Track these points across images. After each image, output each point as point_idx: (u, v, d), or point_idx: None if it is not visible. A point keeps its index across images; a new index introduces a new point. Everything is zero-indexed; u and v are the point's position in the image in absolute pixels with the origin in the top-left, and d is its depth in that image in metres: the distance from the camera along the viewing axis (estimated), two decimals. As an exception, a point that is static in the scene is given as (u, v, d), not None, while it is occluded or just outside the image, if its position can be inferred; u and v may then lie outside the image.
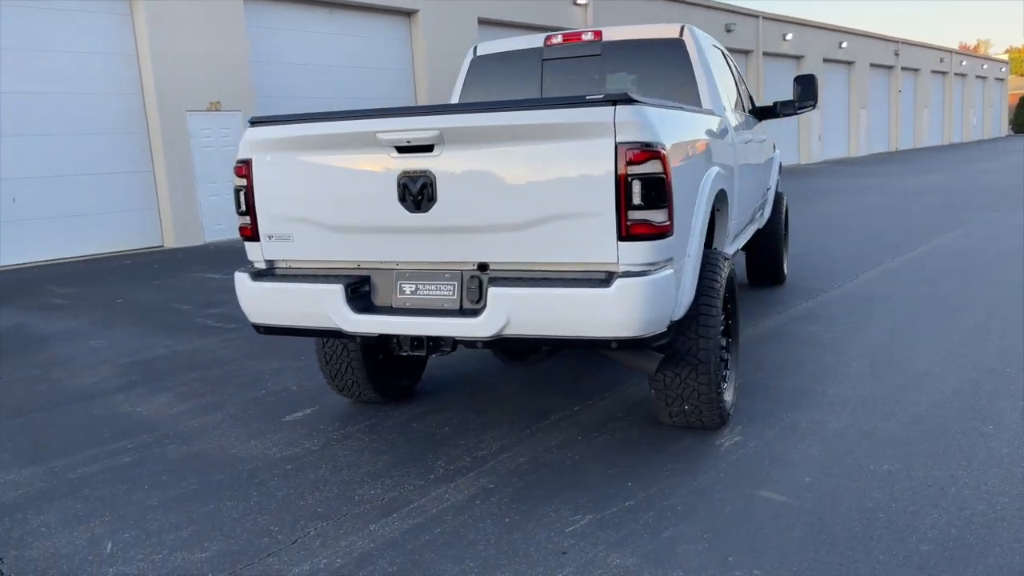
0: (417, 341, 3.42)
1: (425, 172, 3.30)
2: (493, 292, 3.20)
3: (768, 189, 6.90)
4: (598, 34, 5.13)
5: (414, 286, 3.45)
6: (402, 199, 3.34)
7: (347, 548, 3.06)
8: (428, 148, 3.27)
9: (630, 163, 3.03)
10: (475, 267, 3.37)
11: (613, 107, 3.02)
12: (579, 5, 21.62)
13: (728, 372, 4.24)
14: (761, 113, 6.76)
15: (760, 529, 3.04)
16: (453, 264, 3.40)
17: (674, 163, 3.22)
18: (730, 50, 28.72)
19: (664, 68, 4.98)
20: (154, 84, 13.36)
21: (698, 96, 4.86)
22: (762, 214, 6.87)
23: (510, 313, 3.19)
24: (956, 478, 3.40)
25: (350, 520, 3.29)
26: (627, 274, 3.11)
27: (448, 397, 4.76)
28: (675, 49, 4.93)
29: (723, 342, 4.06)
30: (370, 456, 3.94)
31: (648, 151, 3.04)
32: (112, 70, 13.21)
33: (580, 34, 5.18)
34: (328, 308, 3.46)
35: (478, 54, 5.46)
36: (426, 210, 3.33)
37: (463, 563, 2.91)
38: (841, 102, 37.09)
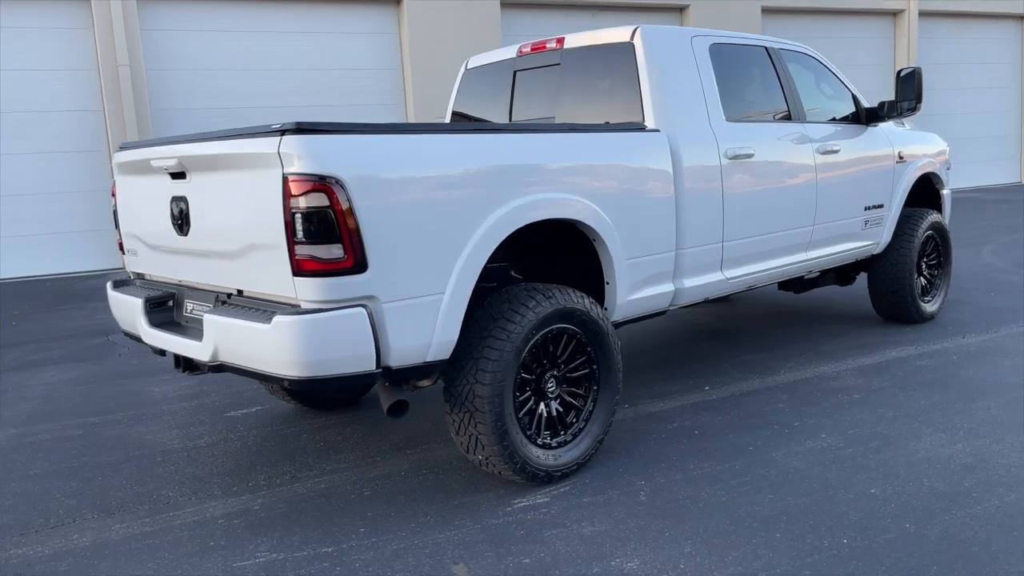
0: (177, 359, 3.58)
1: (183, 197, 3.45)
2: (206, 318, 3.26)
3: (876, 208, 5.72)
4: (560, 42, 4.73)
5: (192, 306, 3.61)
6: (172, 222, 3.53)
7: (60, 544, 3.34)
8: (184, 175, 3.41)
9: (293, 195, 2.89)
10: (235, 293, 3.43)
11: (279, 137, 2.90)
12: (894, -16, 19.15)
13: (585, 425, 3.77)
14: (869, 117, 5.67)
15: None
16: (214, 287, 3.49)
17: (375, 195, 2.98)
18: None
19: (614, 76, 4.44)
20: (414, 96, 14.68)
21: (641, 107, 4.27)
22: (873, 237, 5.76)
23: (216, 340, 3.22)
24: (681, 595, 2.70)
25: (111, 517, 3.57)
26: (296, 311, 2.97)
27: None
28: (624, 55, 4.37)
29: (552, 389, 3.64)
30: (227, 460, 4.18)
31: (313, 183, 2.87)
32: (383, 85, 14.78)
33: (545, 43, 4.82)
34: (136, 319, 3.77)
35: (469, 67, 5.34)
36: (186, 233, 3.48)
37: (114, 576, 3.05)
38: None
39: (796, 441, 4.01)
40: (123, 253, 4.15)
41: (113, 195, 4.12)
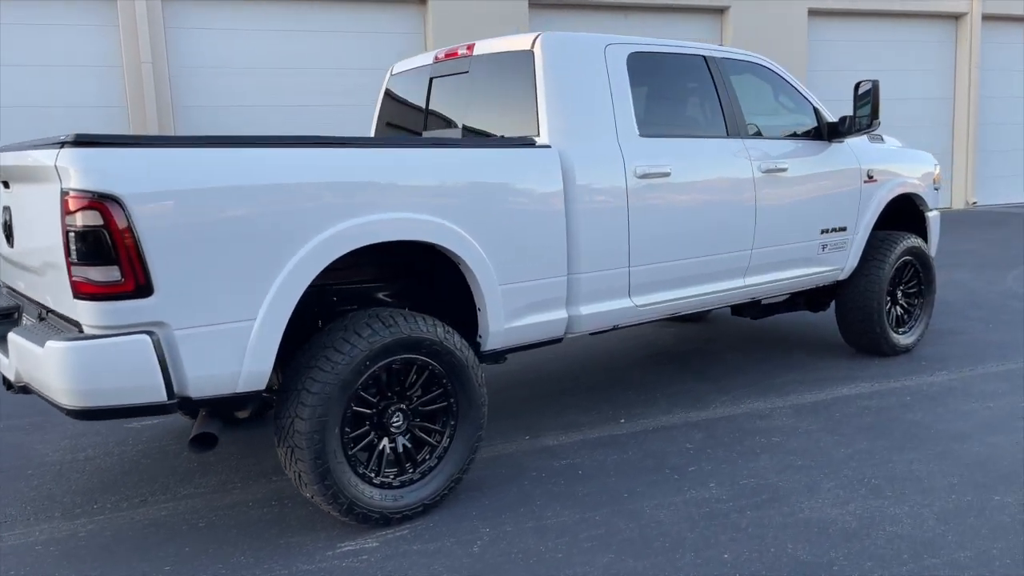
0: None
1: (8, 207, 3.31)
2: (8, 337, 3.10)
3: (837, 231, 5.28)
4: (471, 48, 4.45)
5: (26, 321, 3.47)
6: (3, 231, 3.40)
7: None
8: (8, 184, 3.28)
9: (69, 212, 2.71)
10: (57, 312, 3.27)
11: (58, 150, 2.72)
12: (955, -15, 18.14)
13: (438, 463, 3.51)
14: (831, 132, 5.25)
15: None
16: (42, 303, 3.34)
17: (162, 214, 2.78)
18: None
19: (513, 86, 4.15)
20: (436, 94, 14.50)
21: (536, 120, 3.98)
22: (835, 262, 5.33)
23: (16, 360, 3.06)
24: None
25: (-56, 535, 3.46)
26: (73, 336, 2.79)
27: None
28: (523, 64, 4.07)
29: (399, 424, 3.40)
30: (93, 477, 4.05)
31: (88, 200, 2.68)
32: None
33: (457, 49, 4.55)
34: (-17, 333, 3.65)
35: (393, 72, 5.10)
36: (12, 245, 3.34)
37: None
38: None
39: (679, 490, 3.66)
40: (-9, 261, 4.05)
41: (-16, 201, 4.02)
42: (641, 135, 4.24)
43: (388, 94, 5.11)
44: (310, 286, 3.42)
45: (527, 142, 3.89)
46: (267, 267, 3.01)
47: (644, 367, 5.72)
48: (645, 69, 4.40)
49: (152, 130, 12.82)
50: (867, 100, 4.89)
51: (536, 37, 4.07)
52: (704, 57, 4.73)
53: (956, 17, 18.54)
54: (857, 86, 4.98)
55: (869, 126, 4.95)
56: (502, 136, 4.15)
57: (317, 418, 3.11)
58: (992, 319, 6.84)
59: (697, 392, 5.09)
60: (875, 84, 4.86)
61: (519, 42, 4.15)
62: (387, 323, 3.28)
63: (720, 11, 16.58)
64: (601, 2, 15.33)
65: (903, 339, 5.78)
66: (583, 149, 3.99)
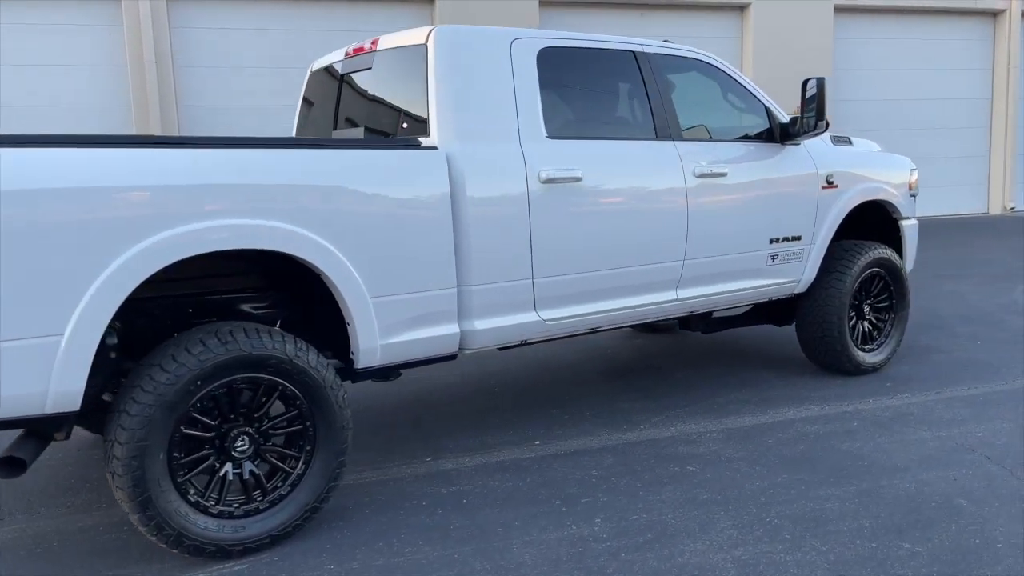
0: None
1: None
2: None
3: (790, 240, 4.89)
4: (375, 43, 4.18)
5: None
6: None
7: None
8: None
9: None
10: None
11: None
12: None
13: (290, 491, 3.26)
14: (783, 134, 4.86)
15: None
16: None
17: None
18: None
19: (408, 83, 3.88)
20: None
21: (427, 119, 3.70)
22: (788, 274, 4.95)
23: None
24: None
25: None
26: None
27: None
28: (417, 59, 3.79)
29: (244, 448, 3.14)
30: (-36, 492, 3.88)
31: None
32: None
33: (363, 45, 4.28)
34: None
35: (313, 69, 4.85)
36: None
37: None
38: None
39: (560, 525, 3.34)
40: None
41: None
42: (549, 136, 3.93)
43: (306, 92, 4.86)
44: (160, 296, 3.23)
45: (410, 143, 3.61)
46: (74, 279, 2.76)
47: (588, 383, 5.39)
48: (560, 66, 4.08)
49: (155, 130, 12.79)
50: (813, 101, 4.49)
51: (431, 31, 3.79)
52: (634, 53, 4.39)
53: (994, 14, 17.73)
54: (804, 86, 4.58)
55: (815, 127, 4.55)
56: (386, 136, 3.88)
57: (136, 442, 2.87)
58: (983, 335, 6.35)
59: (631, 411, 4.74)
60: (821, 83, 4.47)
61: (415, 36, 3.88)
62: (224, 339, 3.02)
63: (741, 8, 16.06)
64: (615, 0, 14.93)
65: (869, 357, 5.35)
66: (478, 151, 3.70)
